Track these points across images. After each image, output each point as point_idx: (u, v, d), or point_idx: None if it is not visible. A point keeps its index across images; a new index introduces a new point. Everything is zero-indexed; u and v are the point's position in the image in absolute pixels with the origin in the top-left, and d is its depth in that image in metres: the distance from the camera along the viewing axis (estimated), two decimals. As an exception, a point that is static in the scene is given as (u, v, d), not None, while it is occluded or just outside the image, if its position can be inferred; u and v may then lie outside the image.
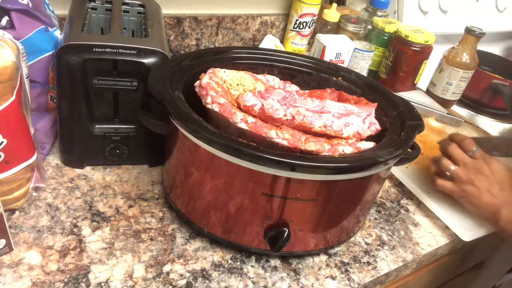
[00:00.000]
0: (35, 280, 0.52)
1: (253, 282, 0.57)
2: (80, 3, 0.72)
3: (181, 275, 0.56)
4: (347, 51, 0.96)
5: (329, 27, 1.07)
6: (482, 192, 0.68)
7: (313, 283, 0.59)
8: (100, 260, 0.56)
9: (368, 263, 0.64)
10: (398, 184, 0.81)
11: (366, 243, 0.67)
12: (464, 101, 1.16)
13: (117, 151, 0.68)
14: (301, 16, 1.07)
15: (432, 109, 1.01)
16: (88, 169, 0.69)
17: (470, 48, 1.02)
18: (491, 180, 0.69)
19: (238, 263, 0.60)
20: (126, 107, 0.66)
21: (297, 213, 0.55)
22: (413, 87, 1.11)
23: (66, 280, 0.52)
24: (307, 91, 0.71)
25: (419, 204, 0.77)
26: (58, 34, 0.64)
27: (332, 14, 1.05)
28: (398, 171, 0.81)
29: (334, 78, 0.73)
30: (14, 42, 0.53)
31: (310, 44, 1.15)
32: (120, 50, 0.61)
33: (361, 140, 0.59)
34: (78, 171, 0.68)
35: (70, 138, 0.67)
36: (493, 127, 1.10)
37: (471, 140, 0.72)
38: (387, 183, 0.81)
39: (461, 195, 0.71)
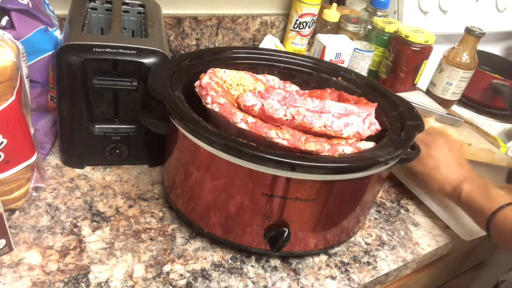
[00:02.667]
0: (35, 280, 0.52)
1: (253, 282, 0.57)
2: (80, 3, 0.72)
3: (181, 275, 0.56)
4: (347, 51, 0.96)
5: (329, 27, 1.07)
6: (440, 165, 0.70)
7: (313, 283, 0.59)
8: (100, 260, 0.56)
9: (368, 263, 0.64)
10: (398, 184, 0.81)
11: (366, 243, 0.67)
12: (464, 101, 1.16)
13: (117, 151, 0.68)
14: (301, 16, 1.07)
15: (432, 109, 1.01)
16: (88, 169, 0.69)
17: (470, 48, 1.02)
18: (448, 154, 0.71)
19: (238, 263, 0.60)
20: (126, 107, 0.66)
21: (297, 213, 0.55)
22: (413, 87, 1.11)
23: (66, 280, 0.52)
24: (307, 91, 0.71)
25: (419, 204, 0.77)
26: (58, 34, 0.64)
27: (332, 14, 1.05)
28: (398, 171, 0.81)
29: (334, 78, 0.73)
30: (14, 42, 0.53)
31: (310, 44, 1.15)
32: (120, 50, 0.61)
33: (361, 140, 0.59)
34: (78, 171, 0.68)
35: (70, 138, 0.67)
36: (493, 127, 1.10)
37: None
38: (387, 183, 0.81)
39: (422, 169, 0.73)
